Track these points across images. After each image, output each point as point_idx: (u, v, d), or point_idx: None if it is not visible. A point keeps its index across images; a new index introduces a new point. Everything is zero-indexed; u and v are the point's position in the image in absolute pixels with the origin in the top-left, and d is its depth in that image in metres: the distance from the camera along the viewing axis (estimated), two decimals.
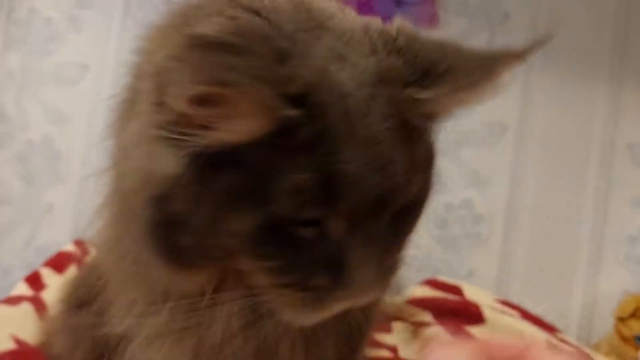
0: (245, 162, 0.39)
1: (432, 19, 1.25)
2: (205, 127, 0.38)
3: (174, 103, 0.38)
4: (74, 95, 1.32)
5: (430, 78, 0.44)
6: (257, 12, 0.41)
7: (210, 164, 0.39)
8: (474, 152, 1.28)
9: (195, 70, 0.35)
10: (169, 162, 0.40)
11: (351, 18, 0.48)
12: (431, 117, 0.48)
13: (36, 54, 1.32)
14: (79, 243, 1.23)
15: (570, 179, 1.26)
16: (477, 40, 1.28)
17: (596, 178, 1.26)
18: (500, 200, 1.27)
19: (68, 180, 1.32)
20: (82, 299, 0.71)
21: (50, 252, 1.25)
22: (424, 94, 0.43)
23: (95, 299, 0.63)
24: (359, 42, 0.44)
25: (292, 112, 0.37)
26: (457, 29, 1.27)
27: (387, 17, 1.30)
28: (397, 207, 0.44)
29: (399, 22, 0.49)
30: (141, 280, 0.49)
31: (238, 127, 0.38)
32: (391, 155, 0.41)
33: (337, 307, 0.43)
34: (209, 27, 0.38)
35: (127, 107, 0.49)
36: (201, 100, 0.37)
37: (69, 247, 1.21)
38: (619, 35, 1.27)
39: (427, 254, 1.28)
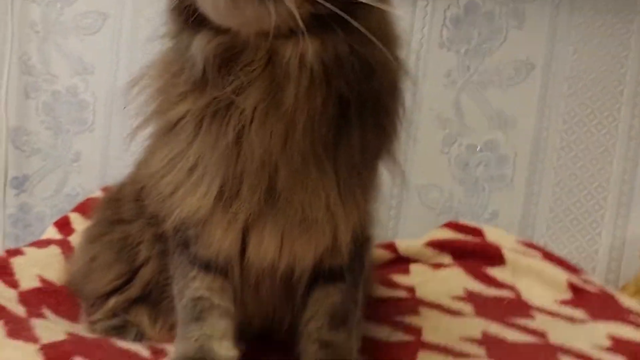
0: None
1: None
2: None
3: None
4: (95, 44, 1.33)
5: None
6: None
7: None
8: (499, 93, 1.24)
9: None
10: None
11: None
12: None
13: (56, 3, 1.33)
14: (106, 189, 1.27)
15: (601, 118, 1.21)
16: None
17: (628, 116, 1.20)
18: (527, 141, 1.24)
19: (94, 129, 1.35)
20: (111, 218, 0.81)
21: (79, 199, 1.29)
22: None
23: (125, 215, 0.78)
24: None
25: None
26: None
27: None
28: None
29: None
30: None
31: None
32: None
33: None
34: None
35: None
36: None
37: (97, 194, 1.24)
38: None
39: (449, 197, 1.26)
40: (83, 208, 1.17)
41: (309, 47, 0.54)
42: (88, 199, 1.21)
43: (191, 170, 0.61)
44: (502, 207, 1.25)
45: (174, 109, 0.62)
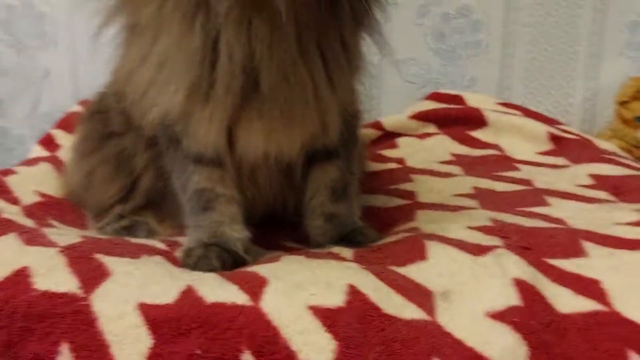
0: None
1: None
2: None
3: None
4: None
5: None
6: None
7: None
8: None
9: None
10: None
11: None
12: None
13: None
14: (84, 103, 1.25)
15: None
16: None
17: None
18: (498, 2, 1.23)
19: (58, 42, 1.30)
20: (102, 132, 0.81)
21: (57, 116, 1.27)
22: None
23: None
24: None
25: None
26: None
27: None
28: None
29: None
30: None
31: None
32: None
33: None
34: None
35: None
36: None
37: (76, 108, 1.22)
38: None
39: (427, 69, 1.27)
40: (65, 124, 1.16)
41: None
42: (68, 114, 1.19)
43: (159, 67, 0.61)
44: (479, 72, 1.26)
45: (139, 10, 0.61)
